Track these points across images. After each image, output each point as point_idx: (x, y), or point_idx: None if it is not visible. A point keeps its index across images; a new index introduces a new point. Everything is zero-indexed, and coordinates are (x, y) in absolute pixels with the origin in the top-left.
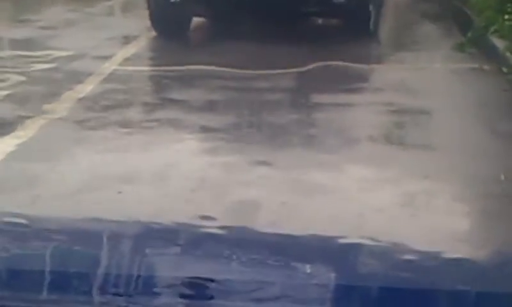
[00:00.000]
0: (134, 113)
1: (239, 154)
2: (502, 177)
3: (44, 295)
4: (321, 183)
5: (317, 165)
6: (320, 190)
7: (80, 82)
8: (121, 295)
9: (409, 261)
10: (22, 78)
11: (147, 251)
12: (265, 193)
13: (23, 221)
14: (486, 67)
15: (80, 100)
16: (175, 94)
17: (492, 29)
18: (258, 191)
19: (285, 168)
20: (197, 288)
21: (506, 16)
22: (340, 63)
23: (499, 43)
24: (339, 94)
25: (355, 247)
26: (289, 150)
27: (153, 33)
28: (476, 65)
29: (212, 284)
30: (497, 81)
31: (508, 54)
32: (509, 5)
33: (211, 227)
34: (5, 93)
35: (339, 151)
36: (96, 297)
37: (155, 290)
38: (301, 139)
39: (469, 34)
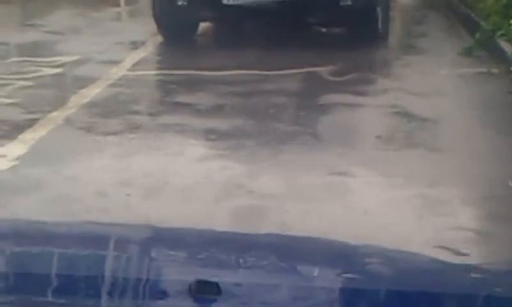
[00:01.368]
0: (141, 117)
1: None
2: (510, 184)
3: (52, 298)
4: None
5: None
6: None
7: (87, 86)
8: (128, 299)
9: (416, 264)
10: (30, 83)
11: (154, 254)
12: None
13: (30, 225)
14: (494, 70)
15: (88, 104)
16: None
17: (499, 33)
18: None
19: None
20: (204, 292)
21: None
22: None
23: (506, 47)
24: (348, 96)
25: (362, 250)
26: None
27: (160, 39)
28: (484, 69)
29: (219, 288)
30: (505, 84)
31: None
32: None
33: (217, 230)
34: (12, 98)
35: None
36: (104, 301)
37: (162, 293)
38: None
39: (477, 36)
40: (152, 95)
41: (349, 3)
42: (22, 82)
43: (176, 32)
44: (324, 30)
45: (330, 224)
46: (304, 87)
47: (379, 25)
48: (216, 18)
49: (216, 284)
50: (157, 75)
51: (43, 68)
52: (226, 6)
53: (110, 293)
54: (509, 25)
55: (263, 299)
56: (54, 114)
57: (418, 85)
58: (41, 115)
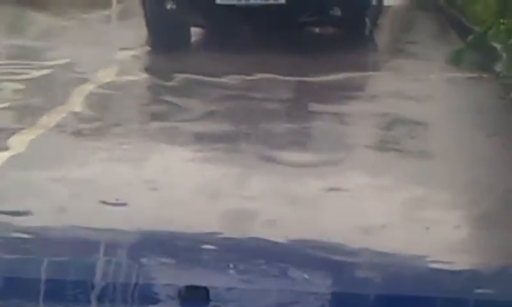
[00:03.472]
0: (132, 121)
1: None
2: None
3: (41, 304)
4: None
5: None
6: None
7: (76, 90)
8: (117, 304)
9: (407, 268)
10: (19, 86)
11: (143, 259)
12: None
13: (21, 231)
14: (484, 75)
15: (78, 108)
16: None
17: (490, 32)
18: None
19: None
20: (194, 297)
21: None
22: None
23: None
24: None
25: (352, 254)
26: None
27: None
28: (475, 74)
29: (209, 293)
30: (495, 88)
31: (504, 55)
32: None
33: (206, 235)
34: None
35: None
36: (93, 306)
37: (152, 298)
38: None
39: (469, 38)
40: (141, 99)
41: (338, 14)
42: (11, 85)
43: (167, 36)
44: (317, 30)
45: None
46: (294, 93)
47: (368, 33)
48: (208, 22)
49: (205, 289)
50: (147, 80)
51: (33, 71)
52: (219, 6)
53: (99, 299)
54: (499, 24)
55: (253, 304)
56: (44, 118)
57: (408, 90)
58: (31, 119)
